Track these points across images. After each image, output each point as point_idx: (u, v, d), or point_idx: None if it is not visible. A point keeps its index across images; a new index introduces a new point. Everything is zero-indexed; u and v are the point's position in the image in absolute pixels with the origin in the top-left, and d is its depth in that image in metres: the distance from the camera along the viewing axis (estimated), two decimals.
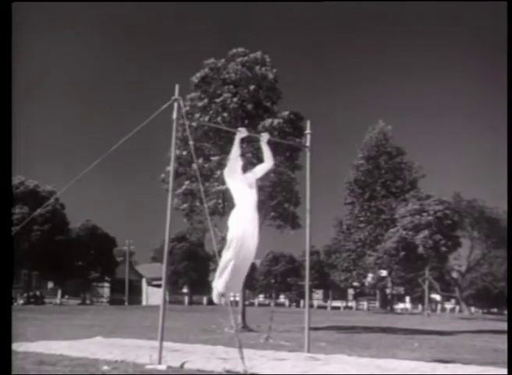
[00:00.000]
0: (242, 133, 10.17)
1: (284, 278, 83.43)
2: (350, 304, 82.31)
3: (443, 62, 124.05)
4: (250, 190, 9.64)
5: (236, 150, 9.82)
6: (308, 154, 12.69)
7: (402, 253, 49.86)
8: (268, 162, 10.17)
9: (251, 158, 23.94)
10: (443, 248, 47.82)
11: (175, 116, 10.31)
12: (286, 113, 24.99)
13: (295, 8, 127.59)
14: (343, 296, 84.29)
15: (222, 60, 25.67)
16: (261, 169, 10.12)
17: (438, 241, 47.50)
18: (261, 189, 23.99)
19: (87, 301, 67.00)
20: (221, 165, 23.97)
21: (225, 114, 24.15)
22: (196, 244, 74.73)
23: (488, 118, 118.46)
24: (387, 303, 71.99)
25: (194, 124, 22.96)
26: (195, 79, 25.54)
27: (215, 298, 9.62)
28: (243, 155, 10.34)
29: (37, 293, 59.62)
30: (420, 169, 62.82)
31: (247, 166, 10.03)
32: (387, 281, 69.12)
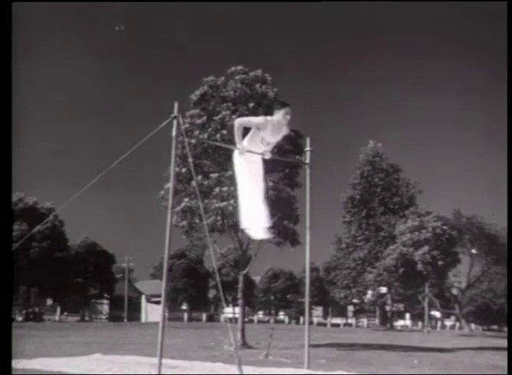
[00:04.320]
0: (241, 150, 10.11)
1: (284, 295, 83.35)
2: (349, 321, 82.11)
3: (442, 73, 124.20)
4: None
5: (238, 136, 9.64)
6: (308, 171, 12.68)
7: (401, 270, 49.83)
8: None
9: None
10: (441, 262, 47.78)
11: (174, 133, 10.34)
12: None
13: (294, 24, 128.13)
14: (342, 313, 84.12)
15: (222, 78, 25.80)
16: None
17: (436, 257, 47.51)
18: None
19: (86, 318, 66.71)
20: (220, 182, 24.01)
21: (225, 131, 24.22)
22: (195, 261, 74.73)
23: (489, 132, 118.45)
24: (387, 320, 71.85)
25: (193, 141, 23.02)
26: (194, 96, 25.65)
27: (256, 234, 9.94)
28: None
29: (36, 310, 59.30)
30: (417, 184, 62.96)
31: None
32: (387, 298, 69.03)
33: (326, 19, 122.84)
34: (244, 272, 26.49)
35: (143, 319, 72.03)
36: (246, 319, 31.39)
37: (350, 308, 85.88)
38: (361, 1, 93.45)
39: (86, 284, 64.07)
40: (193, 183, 21.55)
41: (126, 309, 70.99)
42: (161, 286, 10.75)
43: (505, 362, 13.17)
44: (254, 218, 9.73)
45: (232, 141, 20.76)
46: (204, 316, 73.01)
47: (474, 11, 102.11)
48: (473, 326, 73.87)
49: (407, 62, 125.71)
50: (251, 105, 24.99)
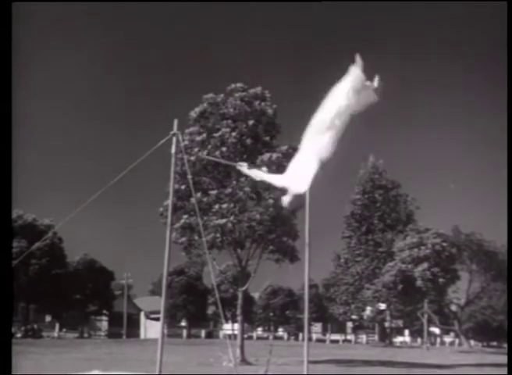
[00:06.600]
0: (242, 167, 10.15)
1: (283, 311, 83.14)
2: (348, 337, 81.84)
3: (441, 85, 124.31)
4: None
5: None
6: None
7: (400, 286, 49.80)
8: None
9: (250, 193, 24.12)
10: (441, 280, 47.77)
11: (173, 150, 10.41)
12: (284, 148, 25.17)
13: (292, 39, 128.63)
14: (341, 329, 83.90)
15: (221, 95, 25.96)
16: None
17: (436, 274, 47.50)
18: (260, 223, 24.25)
19: (85, 335, 66.54)
20: (219, 199, 24.11)
21: (224, 148, 24.34)
22: (194, 278, 74.61)
23: (488, 147, 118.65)
24: (386, 336, 71.65)
25: (193, 158, 23.11)
26: (194, 113, 25.80)
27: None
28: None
29: (35, 326, 59.11)
30: (414, 200, 63.22)
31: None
32: (386, 314, 68.88)
33: (324, 30, 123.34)
34: (243, 288, 26.54)
35: (142, 336, 71.85)
36: (245, 336, 31.36)
37: (349, 324, 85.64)
38: (360, 9, 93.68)
39: (85, 301, 63.84)
40: (193, 200, 21.65)
41: (125, 326, 70.84)
42: (160, 302, 10.81)
43: None
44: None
45: (231, 158, 20.83)
46: (203, 333, 72.75)
47: (474, 15, 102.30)
48: (472, 342, 73.65)
49: (407, 72, 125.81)
50: (251, 122, 25.14)
